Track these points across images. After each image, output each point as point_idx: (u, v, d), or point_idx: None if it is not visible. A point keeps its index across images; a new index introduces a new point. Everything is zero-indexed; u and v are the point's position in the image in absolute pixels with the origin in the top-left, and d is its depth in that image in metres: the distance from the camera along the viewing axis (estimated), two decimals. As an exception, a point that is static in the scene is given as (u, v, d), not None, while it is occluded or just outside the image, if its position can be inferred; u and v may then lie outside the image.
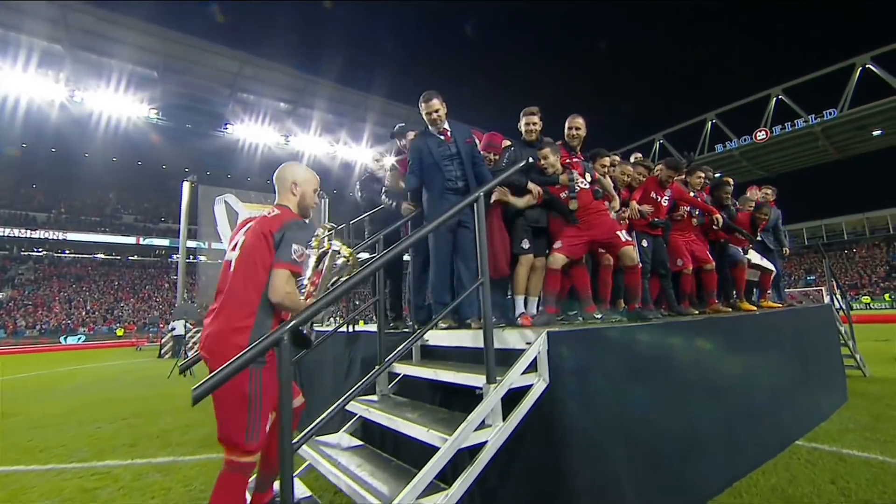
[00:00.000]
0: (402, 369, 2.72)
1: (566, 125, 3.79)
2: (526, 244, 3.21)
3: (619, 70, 76.80)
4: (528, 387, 1.97)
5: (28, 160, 41.02)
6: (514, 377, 1.92)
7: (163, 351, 15.74)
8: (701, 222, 4.30)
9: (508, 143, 3.60)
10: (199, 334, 15.96)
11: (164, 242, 43.10)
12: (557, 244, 3.11)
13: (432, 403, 2.47)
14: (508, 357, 2.05)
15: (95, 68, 33.99)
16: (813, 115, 35.23)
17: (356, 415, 2.62)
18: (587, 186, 3.26)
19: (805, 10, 61.68)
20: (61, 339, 29.20)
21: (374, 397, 2.76)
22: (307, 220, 2.09)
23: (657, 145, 42.92)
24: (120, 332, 29.32)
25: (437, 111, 3.07)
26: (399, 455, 2.31)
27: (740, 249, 4.69)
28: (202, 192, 13.93)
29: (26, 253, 37.99)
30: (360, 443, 2.63)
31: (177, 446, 4.09)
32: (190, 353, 14.90)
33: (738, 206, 5.78)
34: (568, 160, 3.52)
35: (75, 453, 3.93)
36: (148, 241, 42.84)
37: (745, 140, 38.18)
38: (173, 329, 15.42)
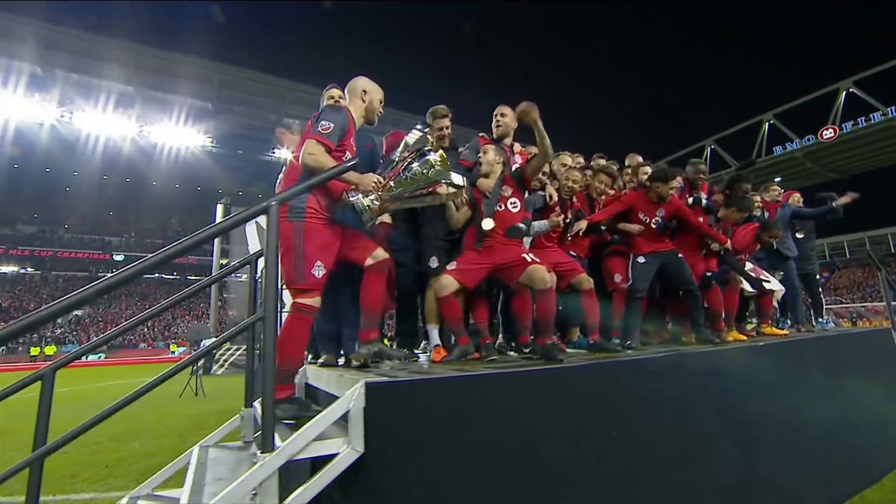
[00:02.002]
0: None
1: None
2: (435, 262, 2.75)
3: (662, 71, 73.47)
4: (331, 457, 1.52)
5: (106, 190, 45.49)
6: (300, 444, 1.48)
7: (194, 367, 16.32)
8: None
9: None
10: (228, 352, 16.57)
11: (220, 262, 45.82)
12: (451, 265, 2.62)
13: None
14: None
15: (159, 104, 37.32)
16: (893, 107, 31.40)
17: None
18: (516, 209, 2.76)
19: (877, -5, 55.94)
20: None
21: (237, 443, 2.40)
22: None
23: (708, 151, 40.10)
24: (174, 349, 31.06)
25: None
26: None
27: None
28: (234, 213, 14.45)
29: (102, 273, 41.79)
30: None
31: (113, 479, 3.94)
32: (219, 372, 15.49)
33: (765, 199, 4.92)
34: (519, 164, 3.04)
35: (13, 485, 3.87)
36: (204, 261, 45.70)
37: (808, 140, 34.69)
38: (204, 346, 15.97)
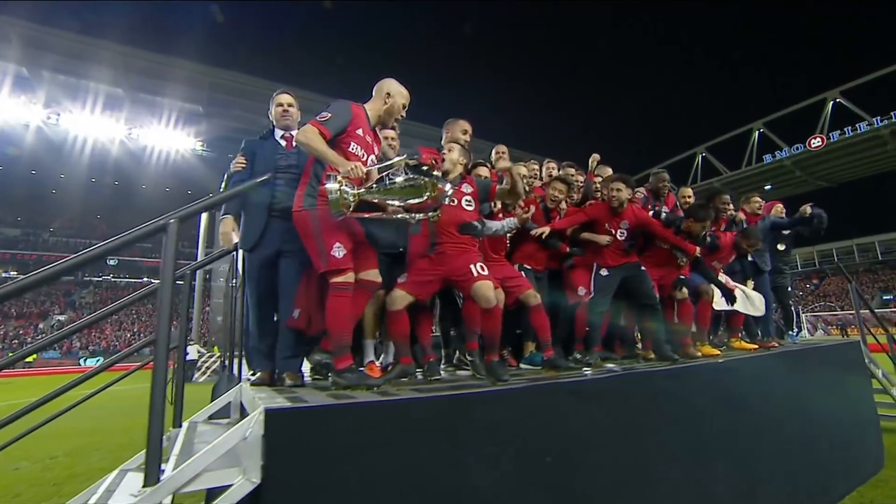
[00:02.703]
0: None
1: None
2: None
3: (653, 79, 74.27)
4: (226, 488, 1.43)
5: (94, 193, 45.02)
6: (188, 474, 1.38)
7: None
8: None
9: None
10: (211, 359, 16.30)
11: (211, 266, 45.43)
12: (402, 277, 2.55)
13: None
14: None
15: (149, 107, 37.09)
16: (878, 118, 31.92)
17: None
18: (470, 208, 2.69)
19: (860, 7, 57.08)
20: (81, 360, 29.31)
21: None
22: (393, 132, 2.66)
23: (699, 159, 40.46)
24: (85, 358, 30.34)
25: (290, 105, 2.72)
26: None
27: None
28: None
29: (88, 278, 41.22)
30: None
31: (58, 498, 3.79)
32: (201, 379, 15.21)
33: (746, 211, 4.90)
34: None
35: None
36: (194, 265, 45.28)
37: (797, 149, 35.09)
38: (186, 354, 15.75)
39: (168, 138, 38.11)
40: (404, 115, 2.45)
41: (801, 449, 3.05)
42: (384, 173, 2.20)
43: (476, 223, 2.68)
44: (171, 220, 1.50)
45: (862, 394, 4.15)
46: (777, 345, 4.36)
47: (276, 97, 2.76)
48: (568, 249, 3.53)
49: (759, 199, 5.03)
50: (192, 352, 14.96)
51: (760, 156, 37.14)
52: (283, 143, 2.68)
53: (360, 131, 2.26)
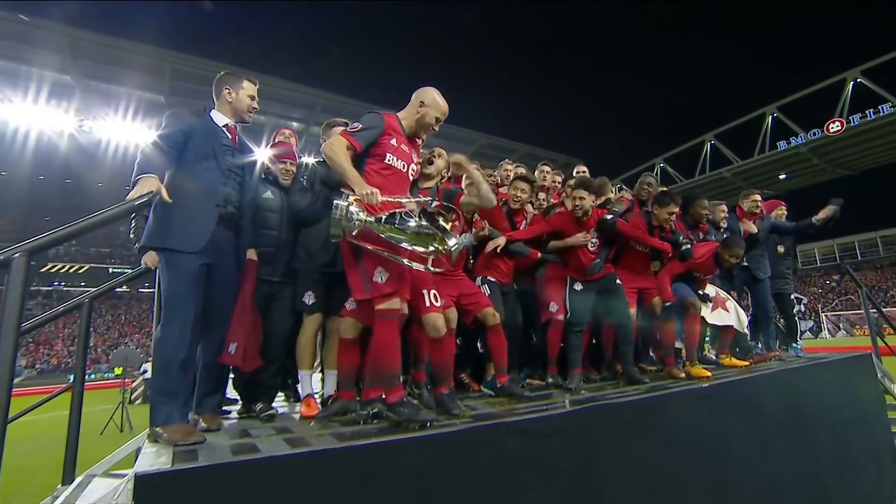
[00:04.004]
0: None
1: None
2: (310, 298, 2.58)
3: (656, 62, 74.61)
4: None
5: (41, 192, 44.27)
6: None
7: (133, 396, 15.81)
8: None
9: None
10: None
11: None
12: (349, 303, 2.46)
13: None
14: None
15: (103, 96, 36.52)
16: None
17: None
18: None
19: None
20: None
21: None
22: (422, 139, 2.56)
23: (708, 146, 40.72)
24: (119, 371, 30.04)
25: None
26: None
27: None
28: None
29: (36, 288, 40.50)
30: None
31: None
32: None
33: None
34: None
35: None
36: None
37: (814, 134, 35.39)
38: (145, 371, 15.49)
39: (126, 131, 37.50)
40: (437, 128, 2.46)
41: (799, 483, 2.99)
42: (396, 209, 2.18)
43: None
44: (16, 255, 1.38)
45: (874, 413, 4.05)
46: (774, 357, 4.33)
47: (246, 83, 2.51)
48: (539, 256, 3.47)
49: (758, 196, 4.99)
50: (148, 369, 14.71)
51: (774, 143, 37.35)
52: (229, 134, 2.45)
53: (394, 141, 2.31)
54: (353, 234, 2.03)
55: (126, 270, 44.71)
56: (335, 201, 2.02)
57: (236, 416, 2.66)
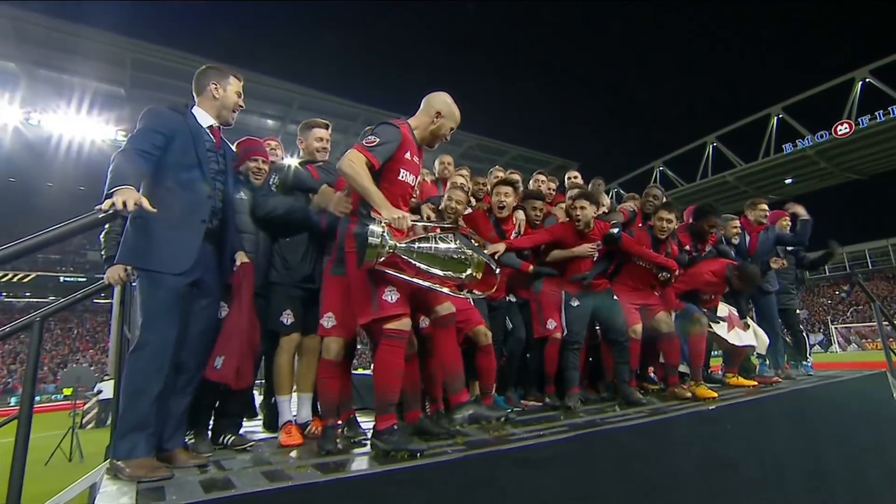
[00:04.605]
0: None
1: None
2: (288, 318, 2.57)
3: (657, 61, 75.99)
4: None
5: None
6: None
7: (84, 420, 15.41)
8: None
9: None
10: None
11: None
12: (328, 318, 2.44)
13: None
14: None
15: (54, 87, 35.86)
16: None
17: None
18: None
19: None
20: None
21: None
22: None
23: (710, 149, 41.51)
24: (68, 392, 29.15)
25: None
26: None
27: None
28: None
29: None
30: None
31: None
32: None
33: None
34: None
35: None
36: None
37: (821, 136, 36.28)
38: (100, 392, 15.14)
39: (81, 126, 36.85)
40: (448, 138, 2.48)
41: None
42: (428, 234, 2.23)
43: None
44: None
45: (891, 437, 4.07)
46: (777, 382, 4.39)
47: (232, 79, 2.43)
48: (531, 268, 3.50)
49: (765, 205, 5.09)
50: (108, 390, 14.39)
51: (780, 145, 38.27)
52: (213, 137, 2.38)
53: (408, 154, 2.32)
54: (382, 259, 2.04)
55: (79, 279, 43.93)
56: (369, 226, 2.01)
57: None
